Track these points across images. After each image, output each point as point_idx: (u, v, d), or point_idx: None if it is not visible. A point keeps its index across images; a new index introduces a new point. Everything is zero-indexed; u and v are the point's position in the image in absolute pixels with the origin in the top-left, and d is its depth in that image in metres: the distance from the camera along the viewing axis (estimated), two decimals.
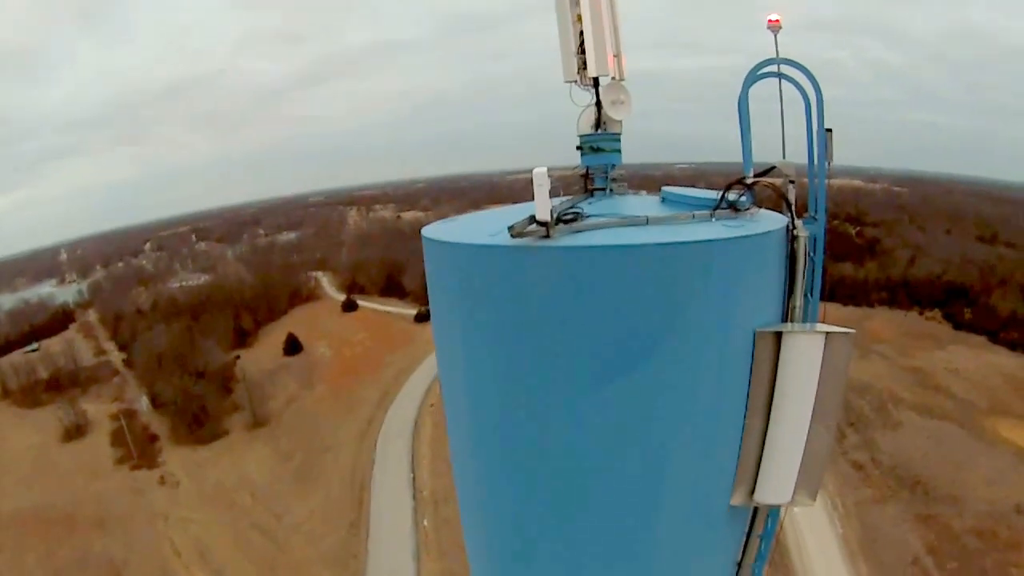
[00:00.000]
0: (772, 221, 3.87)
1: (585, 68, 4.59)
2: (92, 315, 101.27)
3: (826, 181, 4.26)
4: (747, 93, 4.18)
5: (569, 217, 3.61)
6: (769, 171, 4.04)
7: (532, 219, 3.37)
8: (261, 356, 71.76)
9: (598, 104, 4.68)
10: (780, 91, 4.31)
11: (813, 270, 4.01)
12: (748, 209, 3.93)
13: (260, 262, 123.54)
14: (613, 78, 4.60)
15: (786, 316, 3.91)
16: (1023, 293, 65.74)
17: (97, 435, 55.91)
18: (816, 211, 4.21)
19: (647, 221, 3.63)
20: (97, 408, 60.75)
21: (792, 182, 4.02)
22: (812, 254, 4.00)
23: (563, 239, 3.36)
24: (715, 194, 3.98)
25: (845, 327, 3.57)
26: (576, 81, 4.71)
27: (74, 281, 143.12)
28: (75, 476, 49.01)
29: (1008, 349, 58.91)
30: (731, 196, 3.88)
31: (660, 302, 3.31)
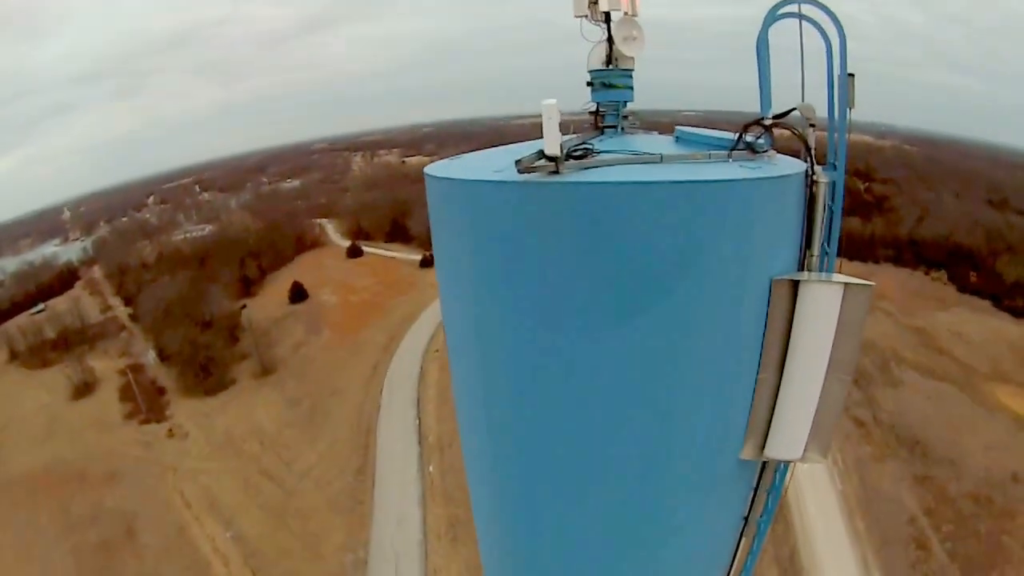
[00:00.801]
0: (791, 166, 3.71)
1: (596, 2, 4.38)
2: (97, 271, 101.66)
3: (847, 128, 4.00)
4: (767, 33, 3.96)
5: (579, 153, 3.46)
6: (789, 113, 3.85)
7: (541, 154, 3.19)
8: (267, 304, 72.11)
9: (610, 40, 4.46)
10: (800, 32, 4.06)
11: (831, 219, 3.85)
12: (766, 151, 3.75)
13: (264, 210, 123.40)
14: (626, 13, 4.41)
15: (802, 265, 3.75)
16: None
17: (105, 391, 56.71)
18: (836, 158, 4.00)
19: (661, 159, 3.44)
20: (105, 364, 61.49)
21: (812, 125, 3.83)
22: (831, 202, 3.83)
23: (573, 175, 3.19)
24: (732, 135, 3.84)
25: (863, 279, 3.47)
26: (587, 16, 4.48)
27: (78, 239, 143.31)
28: (85, 433, 49.91)
29: (1012, 316, 58.82)
30: (749, 137, 3.73)
31: (673, 243, 3.15)
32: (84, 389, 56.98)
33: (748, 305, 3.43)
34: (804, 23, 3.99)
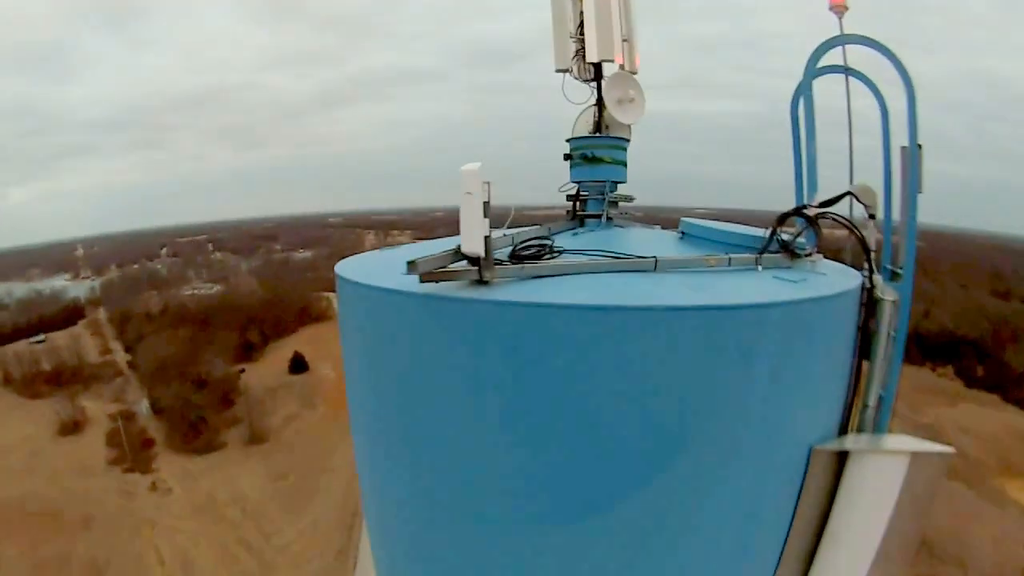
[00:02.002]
0: (842, 276, 2.90)
1: (584, 53, 3.48)
2: (102, 313, 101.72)
3: (916, 219, 3.04)
4: (810, 89, 3.04)
5: (529, 252, 2.66)
6: (840, 199, 2.92)
7: (457, 253, 2.36)
8: (265, 372, 71.28)
9: (599, 102, 3.51)
10: (847, 88, 3.21)
11: (894, 354, 2.92)
12: (808, 255, 2.84)
13: (273, 277, 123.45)
14: (621, 67, 3.47)
15: (848, 419, 2.86)
16: None
17: (93, 433, 55.39)
18: (900, 265, 3.11)
19: (656, 265, 2.54)
20: (96, 406, 60.40)
21: (873, 216, 2.93)
22: (894, 331, 2.84)
23: (508, 288, 2.35)
24: (758, 232, 2.95)
25: (940, 445, 2.64)
26: (571, 70, 3.58)
27: (88, 277, 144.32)
28: (66, 472, 48.44)
29: (1019, 408, 57.72)
30: (784, 235, 2.83)
31: (669, 400, 2.28)
32: (72, 427, 55.68)
33: (773, 480, 2.58)
34: (852, 80, 3.19)
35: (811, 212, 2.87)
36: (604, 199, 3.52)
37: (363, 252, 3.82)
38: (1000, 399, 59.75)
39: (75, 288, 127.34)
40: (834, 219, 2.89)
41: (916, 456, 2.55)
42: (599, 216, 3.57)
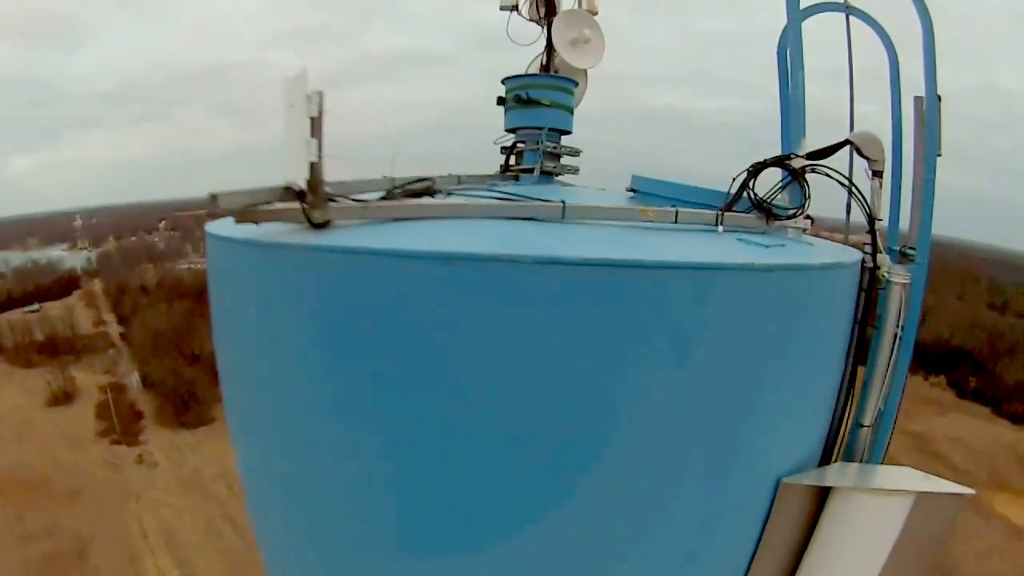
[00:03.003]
0: (836, 251, 2.32)
1: None
2: (97, 284, 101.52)
3: (934, 186, 2.40)
4: (798, 28, 2.38)
5: (408, 189, 2.13)
6: (836, 149, 2.31)
7: (288, 189, 1.90)
8: None
9: (548, 43, 2.97)
10: (848, 31, 2.64)
11: (900, 353, 2.34)
12: (793, 214, 2.24)
13: None
14: (578, 1, 2.96)
15: (836, 438, 2.30)
16: None
17: (83, 404, 55.34)
18: (915, 242, 2.48)
19: (562, 214, 1.98)
20: (87, 377, 60.32)
21: (878, 173, 2.31)
22: (900, 326, 2.27)
23: (349, 233, 1.84)
24: (724, 190, 2.31)
25: (961, 486, 2.03)
26: (517, 6, 3.08)
27: (85, 248, 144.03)
28: (55, 442, 48.50)
29: (1011, 422, 57.90)
30: (756, 193, 2.21)
31: (550, 392, 1.75)
32: (62, 398, 55.71)
33: (722, 519, 2.05)
34: (853, 20, 2.65)
35: (797, 163, 2.21)
36: (540, 150, 2.92)
37: None
38: (991, 412, 59.85)
39: (72, 259, 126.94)
40: (828, 175, 2.27)
41: (923, 498, 1.94)
42: (531, 171, 2.97)
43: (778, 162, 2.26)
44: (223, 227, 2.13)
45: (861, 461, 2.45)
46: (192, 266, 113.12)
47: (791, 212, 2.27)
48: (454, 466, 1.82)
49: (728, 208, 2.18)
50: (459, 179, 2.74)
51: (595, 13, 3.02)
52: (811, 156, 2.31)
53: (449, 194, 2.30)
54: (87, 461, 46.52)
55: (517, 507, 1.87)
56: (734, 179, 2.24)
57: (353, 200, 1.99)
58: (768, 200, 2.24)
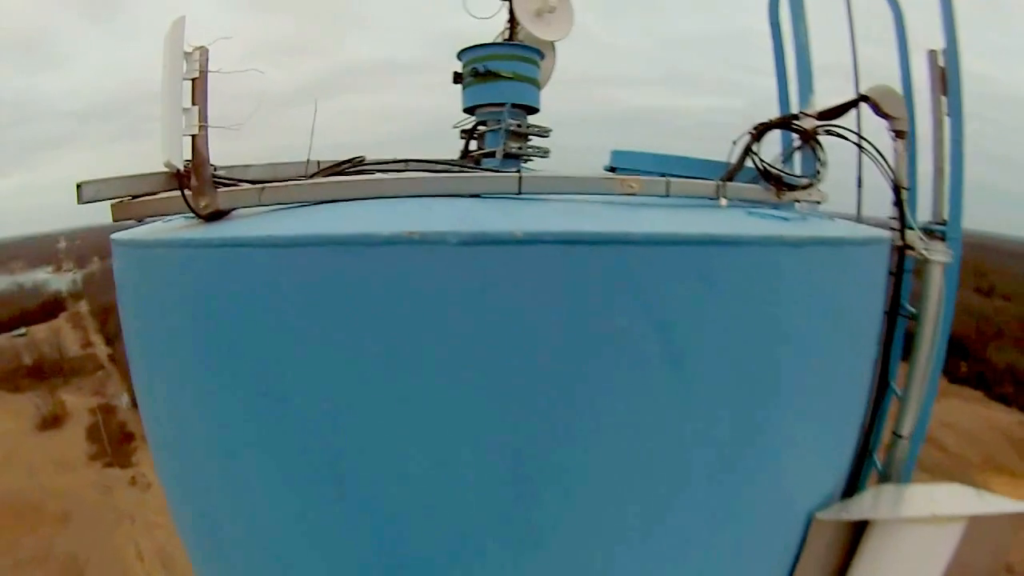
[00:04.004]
0: (858, 227, 2.00)
1: None
2: (83, 306, 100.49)
3: (963, 148, 2.09)
4: None
5: (333, 170, 1.87)
6: (851, 107, 2.03)
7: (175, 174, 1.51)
8: None
9: (511, 15, 2.72)
10: None
11: (937, 349, 2.07)
12: (809, 184, 1.92)
13: None
14: None
15: (863, 452, 2.00)
16: (1018, 346, 65.29)
17: (73, 428, 54.79)
18: (944, 215, 2.13)
19: (518, 186, 1.61)
20: (76, 400, 59.71)
21: (901, 134, 2.01)
22: (939, 315, 1.99)
23: (250, 223, 1.54)
24: (714, 160, 2.01)
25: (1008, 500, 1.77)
26: None
27: (70, 270, 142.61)
28: (46, 467, 47.91)
29: (1003, 404, 58.43)
30: (764, 160, 1.90)
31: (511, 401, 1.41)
32: (52, 422, 55.05)
33: (748, 547, 1.68)
34: None
35: (809, 124, 1.88)
36: (501, 128, 2.55)
37: None
38: (984, 395, 60.36)
39: (57, 281, 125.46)
40: (843, 136, 1.93)
41: (976, 522, 1.65)
42: (491, 154, 2.61)
43: (785, 123, 1.92)
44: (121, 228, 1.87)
45: (897, 479, 2.10)
46: None
47: (805, 182, 1.89)
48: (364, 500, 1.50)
49: (730, 177, 1.79)
50: (407, 163, 2.34)
51: None
52: (823, 116, 1.96)
53: (371, 163, 1.97)
54: (79, 485, 45.93)
55: (454, 552, 1.49)
56: (734, 143, 1.88)
57: (249, 182, 1.60)
58: (777, 169, 1.88)
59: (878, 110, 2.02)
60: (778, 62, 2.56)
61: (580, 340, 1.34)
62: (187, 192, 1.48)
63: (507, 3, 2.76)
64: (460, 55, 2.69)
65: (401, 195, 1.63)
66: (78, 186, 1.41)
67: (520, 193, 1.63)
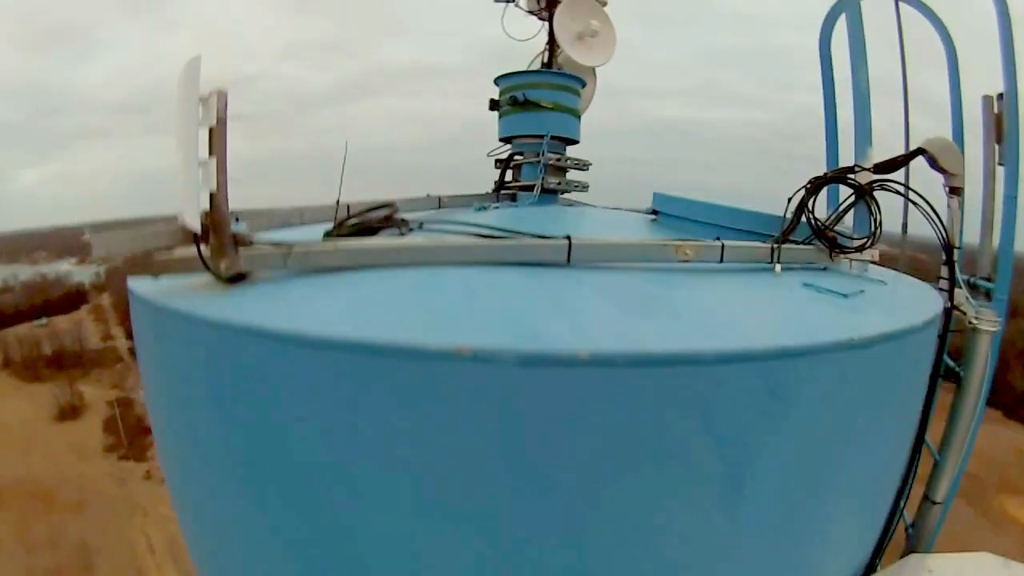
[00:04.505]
0: (908, 287, 1.97)
1: None
2: (106, 298, 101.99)
3: (1016, 204, 2.07)
4: (857, 8, 1.94)
5: (362, 222, 1.74)
6: (908, 160, 1.96)
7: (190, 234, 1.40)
8: None
9: (551, 37, 2.59)
10: (899, 21, 2.27)
11: (978, 411, 2.08)
12: (863, 245, 1.82)
13: None
14: None
15: (892, 519, 1.95)
16: None
17: (91, 419, 55.46)
18: (990, 272, 2.13)
19: (568, 254, 1.53)
20: (95, 392, 60.44)
21: (956, 191, 1.96)
22: (984, 380, 2.05)
23: (263, 292, 1.44)
24: (772, 213, 1.91)
25: None
26: None
27: (94, 263, 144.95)
28: (62, 456, 48.53)
29: (1021, 425, 57.27)
30: (816, 217, 1.83)
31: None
32: (70, 412, 55.86)
33: None
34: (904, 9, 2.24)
35: (864, 180, 1.78)
36: (541, 163, 2.45)
37: None
38: (1003, 416, 59.16)
39: (80, 272, 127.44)
40: (899, 193, 1.84)
41: None
42: (530, 188, 2.46)
43: (840, 177, 1.82)
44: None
45: (926, 546, 2.07)
46: None
47: (860, 242, 1.80)
48: None
49: (785, 238, 1.74)
50: (439, 201, 2.30)
51: (604, 3, 2.57)
52: (879, 168, 1.87)
53: (417, 227, 1.80)
54: (94, 475, 46.49)
55: None
56: (789, 200, 1.81)
57: (274, 244, 1.47)
58: (829, 228, 1.81)
59: (935, 164, 1.97)
60: (827, 95, 2.42)
61: (641, 460, 1.28)
62: (206, 253, 1.39)
63: (546, 23, 2.61)
64: (497, 81, 2.57)
65: (439, 263, 1.55)
66: (86, 241, 1.37)
67: (569, 263, 1.55)
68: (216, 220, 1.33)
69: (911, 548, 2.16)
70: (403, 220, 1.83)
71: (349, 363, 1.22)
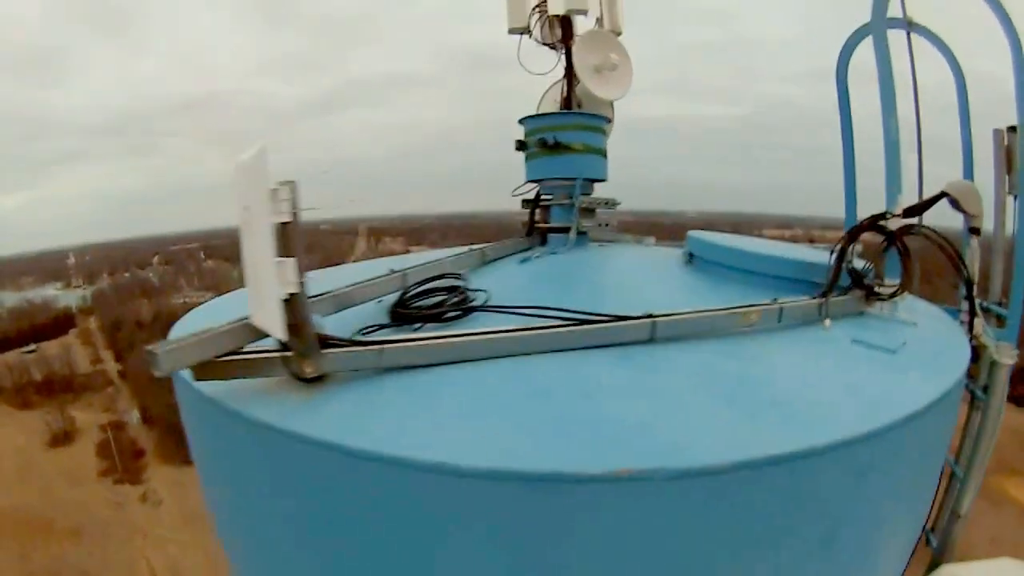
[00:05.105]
0: (933, 321, 2.11)
1: (546, 3, 2.57)
2: (93, 322, 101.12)
3: None
4: (884, 45, 2.01)
5: (420, 306, 1.73)
6: (932, 204, 2.08)
7: (250, 328, 1.41)
8: None
9: (568, 71, 2.62)
10: (910, 51, 2.35)
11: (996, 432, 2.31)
12: (896, 292, 1.95)
13: None
14: (598, 20, 2.59)
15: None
16: None
17: (83, 444, 54.93)
18: (1002, 299, 2.28)
19: (652, 332, 1.61)
20: (87, 416, 59.86)
21: (976, 231, 2.12)
22: (1001, 409, 2.32)
23: (346, 394, 1.40)
24: (808, 255, 2.07)
25: None
26: (528, 30, 2.68)
27: (79, 286, 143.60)
28: (57, 482, 48.03)
29: (1016, 406, 57.87)
30: (854, 267, 1.92)
31: None
32: (62, 438, 55.24)
33: None
34: (914, 40, 2.32)
35: (896, 224, 1.89)
36: (573, 205, 2.46)
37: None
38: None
39: (66, 297, 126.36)
40: (926, 236, 1.94)
41: None
42: (564, 230, 2.50)
43: (874, 224, 1.93)
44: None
45: (951, 556, 2.32)
46: (187, 300, 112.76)
47: (894, 289, 1.93)
48: None
49: (830, 290, 1.83)
50: (483, 254, 2.32)
51: (619, 34, 2.61)
52: (911, 211, 1.99)
53: (483, 304, 1.76)
54: (90, 500, 46.04)
55: None
56: (832, 252, 1.90)
57: (359, 344, 1.43)
58: (866, 275, 1.93)
59: (957, 206, 2.09)
60: (844, 123, 2.50)
61: (767, 549, 1.38)
62: (288, 358, 1.34)
63: (564, 59, 2.64)
64: (523, 122, 2.59)
65: (532, 351, 1.55)
66: (151, 354, 1.22)
67: (652, 339, 1.63)
68: (298, 321, 1.27)
69: (937, 558, 2.35)
70: (468, 296, 1.79)
71: (499, 492, 1.18)
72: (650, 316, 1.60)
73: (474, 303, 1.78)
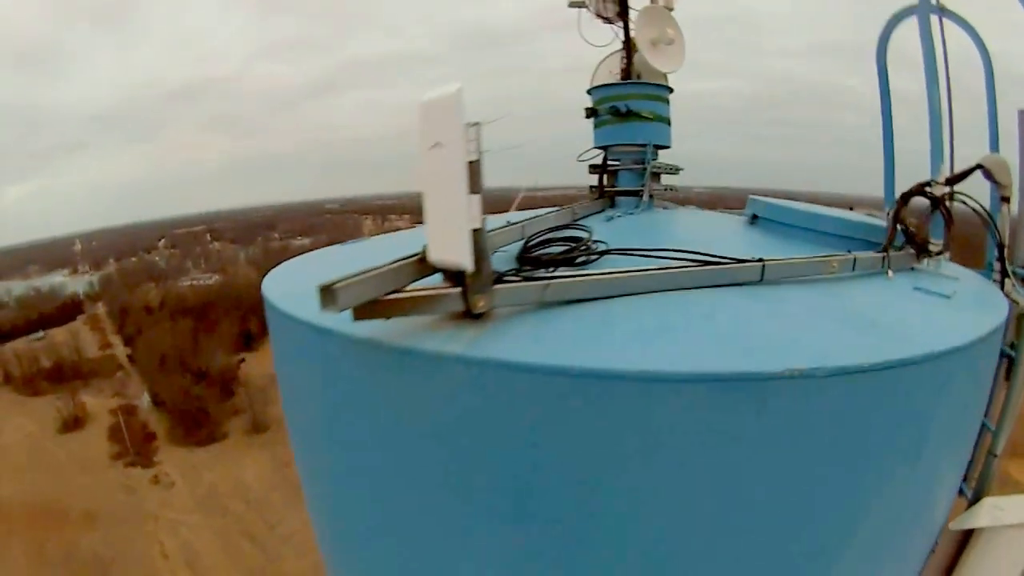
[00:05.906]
0: (971, 281, 2.38)
1: None
2: (100, 308, 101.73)
3: None
4: (928, 24, 2.31)
5: (550, 253, 1.82)
6: (968, 174, 2.33)
7: (423, 264, 1.44)
8: (265, 360, 71.38)
9: (627, 44, 2.77)
10: (942, 32, 2.54)
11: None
12: (942, 249, 2.27)
13: (272, 266, 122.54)
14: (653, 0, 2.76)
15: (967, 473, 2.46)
16: None
17: (94, 429, 55.41)
18: None
19: (762, 274, 1.77)
20: (97, 402, 60.40)
21: (1007, 199, 2.34)
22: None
23: (516, 327, 1.44)
24: (865, 218, 2.37)
25: None
26: (587, 4, 2.83)
27: (86, 272, 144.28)
28: (68, 469, 48.57)
29: None
30: (907, 226, 2.20)
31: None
32: (73, 424, 55.73)
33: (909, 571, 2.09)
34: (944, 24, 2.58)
35: (937, 191, 2.16)
36: (645, 170, 2.64)
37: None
38: (1003, 379, 59.92)
39: (73, 283, 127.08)
40: (964, 203, 2.25)
41: None
42: (637, 193, 2.68)
43: (920, 190, 2.19)
44: (299, 306, 1.69)
45: (990, 492, 2.60)
46: (194, 283, 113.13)
47: (940, 247, 2.23)
48: None
49: (889, 246, 2.10)
50: (574, 212, 2.45)
51: (672, 9, 2.78)
52: (953, 179, 2.28)
53: (603, 253, 1.89)
54: (103, 485, 46.56)
55: None
56: (888, 212, 2.16)
57: (528, 279, 1.52)
58: (919, 235, 2.18)
59: (990, 176, 2.33)
60: (884, 104, 2.76)
61: (865, 449, 1.56)
62: (466, 291, 1.39)
63: (623, 32, 2.78)
64: (592, 91, 2.79)
65: (669, 288, 1.69)
66: (325, 291, 1.23)
67: (762, 281, 1.81)
68: (479, 258, 1.33)
69: (978, 494, 2.67)
70: (590, 243, 1.90)
71: (699, 393, 1.33)
72: (760, 260, 1.78)
73: (596, 249, 1.90)
